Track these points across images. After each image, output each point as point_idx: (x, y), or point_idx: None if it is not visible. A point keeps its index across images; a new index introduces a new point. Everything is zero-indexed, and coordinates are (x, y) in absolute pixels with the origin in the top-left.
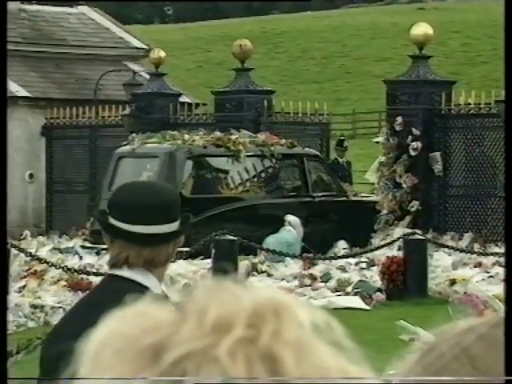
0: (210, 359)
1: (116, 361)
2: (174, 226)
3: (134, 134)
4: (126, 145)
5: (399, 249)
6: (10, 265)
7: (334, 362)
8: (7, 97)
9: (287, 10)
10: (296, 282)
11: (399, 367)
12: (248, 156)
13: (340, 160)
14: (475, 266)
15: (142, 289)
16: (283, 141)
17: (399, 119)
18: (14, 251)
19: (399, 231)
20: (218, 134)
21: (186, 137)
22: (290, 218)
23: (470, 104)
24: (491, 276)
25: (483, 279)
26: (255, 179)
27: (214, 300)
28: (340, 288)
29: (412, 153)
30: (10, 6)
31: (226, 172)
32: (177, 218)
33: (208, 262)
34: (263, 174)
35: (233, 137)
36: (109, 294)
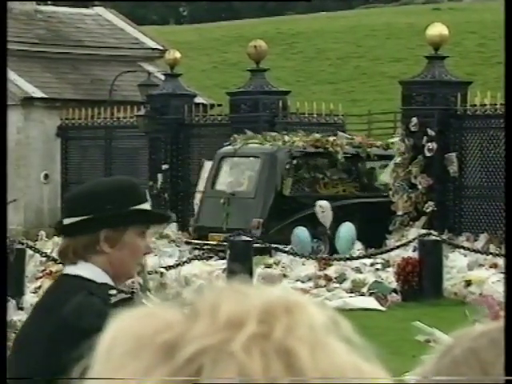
0: (225, 354)
1: (129, 360)
2: (72, 219)
3: (235, 135)
4: (228, 145)
5: (414, 250)
6: (26, 265)
7: (348, 359)
8: (23, 98)
9: (302, 11)
10: (311, 283)
11: (416, 370)
12: (345, 157)
13: None
14: (491, 267)
15: (83, 281)
16: (379, 142)
17: (414, 120)
18: (29, 252)
19: (414, 232)
20: (316, 135)
21: (287, 138)
22: (320, 202)
23: (485, 105)
24: None
25: (499, 280)
26: (351, 179)
27: (224, 299)
28: (355, 289)
29: (427, 153)
30: (26, 7)
31: (323, 172)
32: (85, 213)
33: (223, 263)
34: (359, 175)
35: (331, 138)
36: (55, 294)
